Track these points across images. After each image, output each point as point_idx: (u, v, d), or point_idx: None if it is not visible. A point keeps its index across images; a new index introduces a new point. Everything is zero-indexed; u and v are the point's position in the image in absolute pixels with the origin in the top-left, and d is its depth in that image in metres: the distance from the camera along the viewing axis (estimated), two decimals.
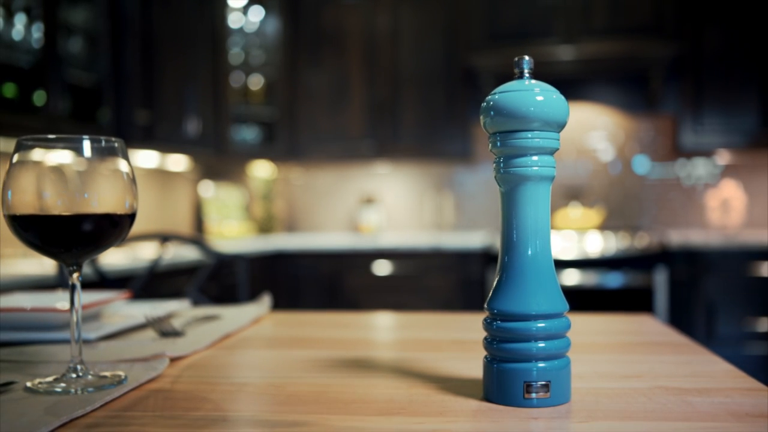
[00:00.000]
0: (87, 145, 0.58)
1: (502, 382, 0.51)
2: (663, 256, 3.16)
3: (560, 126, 0.51)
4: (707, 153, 3.54)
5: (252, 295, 2.87)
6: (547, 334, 0.51)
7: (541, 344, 0.50)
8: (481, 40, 3.51)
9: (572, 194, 3.74)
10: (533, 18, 3.47)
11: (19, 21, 2.50)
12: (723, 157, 3.68)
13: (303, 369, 0.66)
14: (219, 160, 3.72)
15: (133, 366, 0.63)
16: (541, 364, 0.50)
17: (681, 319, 3.14)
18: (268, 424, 0.49)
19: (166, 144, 3.15)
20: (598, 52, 3.36)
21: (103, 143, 0.59)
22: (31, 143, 0.57)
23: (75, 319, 0.58)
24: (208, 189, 3.93)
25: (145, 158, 3.30)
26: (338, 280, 3.50)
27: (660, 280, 3.15)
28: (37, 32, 2.49)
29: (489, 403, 0.51)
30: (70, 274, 0.59)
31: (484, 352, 0.54)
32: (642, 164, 3.78)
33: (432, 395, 0.55)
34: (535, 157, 0.51)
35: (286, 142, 3.82)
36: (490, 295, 0.53)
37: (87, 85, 2.87)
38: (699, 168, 3.74)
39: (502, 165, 0.52)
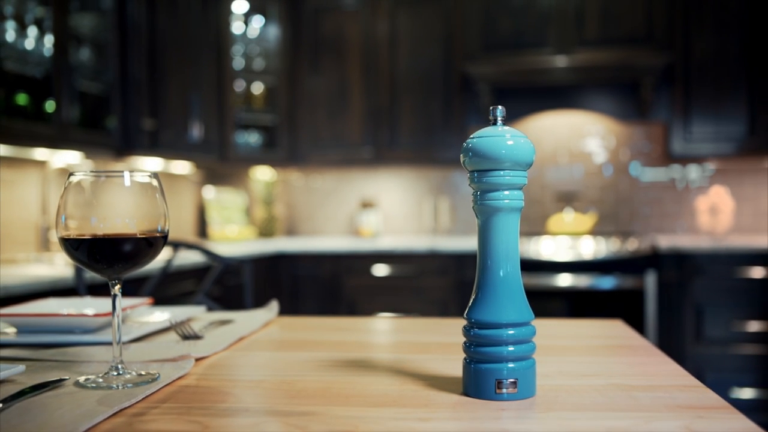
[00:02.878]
0: (128, 176, 0.68)
1: (478, 379, 0.61)
2: (653, 259, 3.26)
3: (527, 165, 0.61)
4: (697, 159, 3.64)
5: (255, 296, 2.98)
6: (516, 339, 0.61)
7: (510, 348, 0.61)
8: (477, 49, 3.61)
9: (566, 199, 3.84)
10: (528, 28, 3.57)
11: (31, 33, 2.59)
12: (712, 164, 3.78)
13: (309, 368, 0.76)
14: (222, 165, 3.82)
15: (164, 365, 0.74)
16: (510, 365, 0.61)
17: (671, 320, 3.25)
18: (282, 413, 0.59)
19: (171, 150, 3.25)
20: (591, 61, 3.46)
21: (141, 176, 0.69)
22: (81, 174, 0.67)
23: (116, 323, 0.69)
24: (210, 193, 4.03)
25: (150, 162, 3.40)
26: (338, 281, 3.60)
27: (650, 282, 3.25)
28: (48, 43, 2.59)
29: (467, 397, 0.62)
30: (113, 286, 0.69)
31: (464, 355, 0.64)
32: (634, 170, 3.89)
33: (419, 390, 0.65)
34: (506, 192, 0.61)
35: (286, 148, 3.92)
36: (468, 307, 0.63)
37: (95, 93, 2.97)
38: (689, 174, 3.84)
39: (478, 198, 0.62)
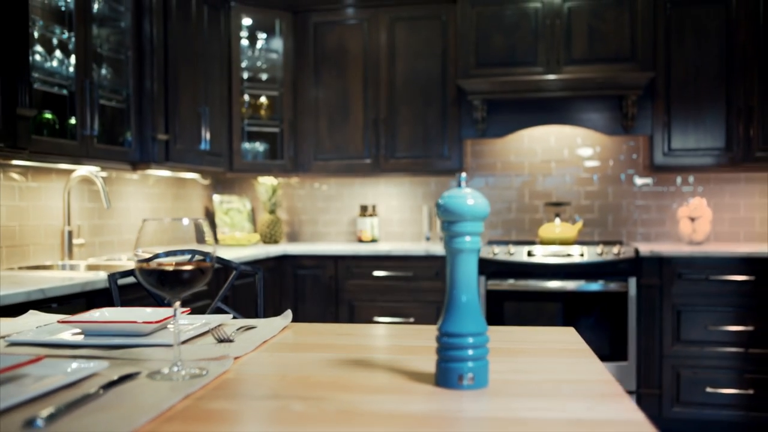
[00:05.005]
0: (186, 221, 0.90)
1: (446, 374, 0.84)
2: (636, 264, 3.49)
3: (484, 218, 0.84)
4: (678, 171, 3.86)
5: (263, 297, 3.20)
6: (473, 345, 0.83)
7: (470, 352, 0.83)
8: (472, 65, 3.83)
9: (556, 208, 4.06)
10: (519, 46, 3.79)
11: (56, 54, 2.81)
12: (692, 175, 4.01)
13: (320, 365, 0.98)
14: (229, 174, 4.04)
15: (210, 363, 0.96)
16: (469, 364, 0.83)
17: (651, 321, 3.48)
18: (302, 398, 0.82)
19: (182, 162, 3.46)
20: (578, 77, 3.68)
21: (194, 222, 0.91)
22: (153, 221, 0.89)
23: (177, 331, 0.91)
24: (217, 199, 4.26)
25: (163, 172, 3.62)
26: (339, 283, 3.83)
27: (633, 286, 3.48)
28: (71, 64, 2.81)
29: (437, 387, 0.84)
30: (173, 303, 0.91)
31: (436, 356, 0.86)
32: (619, 180, 4.11)
33: (404, 382, 0.87)
34: (468, 238, 0.83)
35: (290, 157, 4.14)
36: (440, 322, 0.86)
37: (113, 109, 3.19)
38: (671, 184, 4.07)
39: (447, 241, 0.85)
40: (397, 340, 1.20)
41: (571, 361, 0.97)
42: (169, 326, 1.19)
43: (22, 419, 0.69)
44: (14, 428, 0.67)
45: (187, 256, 0.88)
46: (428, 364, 0.93)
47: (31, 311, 1.39)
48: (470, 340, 0.83)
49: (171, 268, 0.87)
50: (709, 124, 3.70)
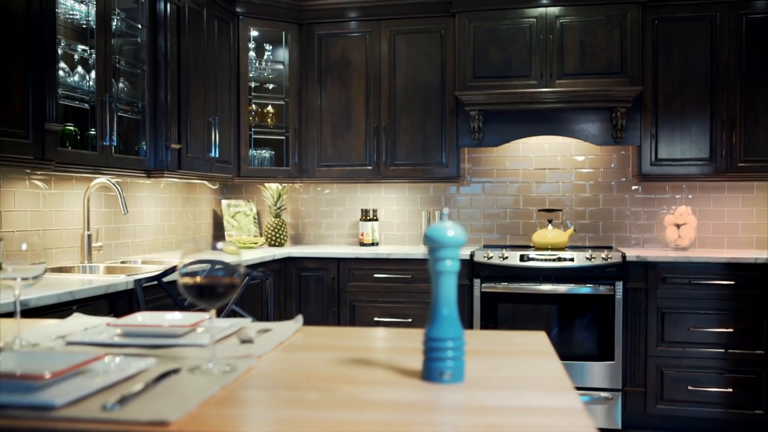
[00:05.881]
0: (220, 245, 1.10)
1: (430, 370, 1.04)
2: (623, 269, 3.69)
3: (461, 245, 1.03)
4: (665, 179, 4.05)
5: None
6: (452, 348, 1.03)
7: (449, 353, 1.03)
8: (469, 77, 4.03)
9: (548, 214, 4.26)
10: (514, 60, 3.99)
11: (78, 70, 3.01)
12: (678, 184, 4.21)
13: (328, 363, 1.18)
14: (237, 180, 4.25)
15: (238, 360, 1.16)
16: (449, 363, 1.03)
17: (637, 323, 3.68)
18: (315, 388, 1.02)
19: (193, 170, 3.66)
20: (570, 91, 3.87)
21: (227, 245, 1.11)
22: (192, 244, 1.09)
23: (212, 334, 1.11)
24: (225, 203, 4.46)
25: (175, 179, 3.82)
26: (341, 284, 4.03)
27: (620, 289, 3.68)
28: (91, 79, 3.00)
29: (423, 381, 1.05)
30: (209, 310, 1.11)
31: (422, 356, 1.07)
32: (610, 188, 4.31)
33: (396, 376, 1.07)
34: (448, 262, 1.04)
35: (295, 164, 4.34)
36: (426, 328, 1.06)
37: (129, 120, 3.38)
38: (658, 192, 4.27)
39: (432, 264, 1.05)
40: (391, 343, 1.41)
41: (535, 361, 1.17)
42: (198, 329, 1.39)
43: (99, 404, 0.90)
44: (94, 410, 0.88)
45: (221, 274, 1.08)
46: (416, 362, 1.13)
47: (75, 314, 1.59)
48: (450, 343, 1.03)
49: (208, 284, 1.07)
50: (694, 135, 3.90)
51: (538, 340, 1.31)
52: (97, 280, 2.58)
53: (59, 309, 2.20)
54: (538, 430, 0.81)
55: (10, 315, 1.90)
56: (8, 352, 1.14)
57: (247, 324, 1.47)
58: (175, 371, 1.08)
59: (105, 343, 1.28)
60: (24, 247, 1.22)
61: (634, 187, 4.29)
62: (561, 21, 3.94)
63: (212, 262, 1.09)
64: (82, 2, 2.98)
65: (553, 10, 3.94)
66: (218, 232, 4.58)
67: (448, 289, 1.03)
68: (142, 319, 1.39)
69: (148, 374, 1.06)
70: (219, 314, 1.96)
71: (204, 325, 1.38)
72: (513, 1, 3.98)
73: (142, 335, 1.32)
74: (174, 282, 2.34)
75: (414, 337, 1.35)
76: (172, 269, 2.20)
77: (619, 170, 4.31)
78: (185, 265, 1.07)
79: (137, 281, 2.05)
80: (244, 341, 1.31)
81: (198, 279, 1.07)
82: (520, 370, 1.11)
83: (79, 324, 1.48)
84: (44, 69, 2.56)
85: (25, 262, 1.25)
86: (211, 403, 0.93)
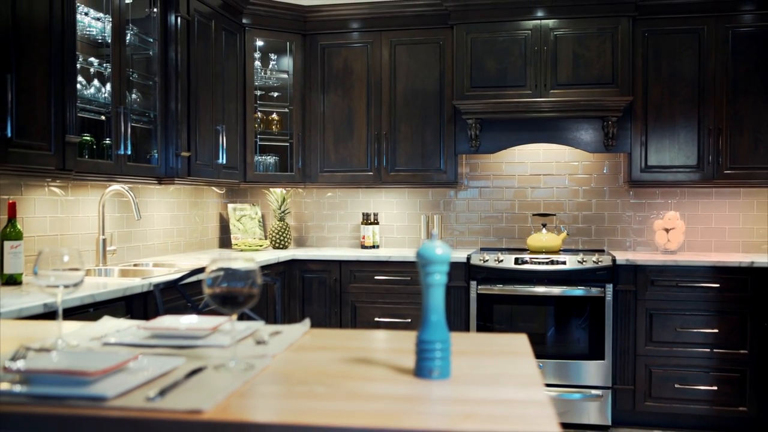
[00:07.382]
0: (239, 262, 1.27)
1: (421, 368, 1.21)
2: (614, 271, 3.85)
3: (448, 261, 1.21)
4: (654, 185, 4.22)
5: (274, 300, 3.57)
6: (440, 348, 1.20)
7: (438, 353, 1.20)
8: (466, 86, 4.19)
9: (542, 219, 4.43)
10: (510, 70, 4.15)
11: (94, 83, 3.18)
12: (667, 189, 4.37)
13: (334, 362, 1.35)
14: (243, 185, 4.41)
15: (255, 360, 1.33)
16: (437, 362, 1.20)
17: (627, 323, 3.84)
18: (323, 383, 1.19)
19: (202, 176, 3.83)
20: (563, 100, 4.04)
21: (245, 261, 1.28)
22: (216, 257, 1.26)
23: (233, 336, 1.28)
24: (231, 207, 4.63)
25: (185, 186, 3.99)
26: (343, 285, 4.20)
27: (610, 291, 3.84)
28: (107, 92, 3.17)
29: (415, 377, 1.22)
30: (230, 315, 1.28)
31: (415, 356, 1.24)
32: (603, 193, 4.48)
33: (393, 373, 1.24)
34: (437, 276, 1.21)
35: (298, 169, 4.51)
36: (418, 332, 1.23)
37: (141, 129, 3.54)
38: (649, 198, 4.44)
39: (423, 277, 1.22)
40: (389, 344, 1.58)
41: (513, 360, 1.35)
42: (218, 332, 1.56)
43: (143, 396, 1.07)
44: (139, 401, 1.05)
45: (242, 285, 1.25)
46: (409, 361, 1.30)
47: (105, 317, 1.76)
48: (438, 345, 1.20)
49: (230, 294, 1.24)
50: (682, 143, 4.06)
51: (518, 342, 1.48)
52: (113, 282, 2.74)
53: (80, 311, 2.37)
54: (507, 417, 0.98)
55: (36, 317, 2.08)
56: (59, 352, 1.31)
57: (260, 327, 1.64)
58: (202, 369, 1.25)
59: (137, 344, 1.45)
60: (66, 259, 1.39)
61: (623, 193, 4.46)
62: (555, 33, 4.10)
63: (234, 273, 1.25)
64: (98, 20, 3.14)
65: (548, 23, 4.10)
66: (224, 235, 4.75)
67: (437, 298, 1.20)
68: (169, 322, 1.56)
69: (179, 371, 1.23)
70: None
71: (225, 328, 1.55)
72: (509, 13, 4.14)
73: (170, 337, 1.49)
74: (188, 285, 2.52)
75: (408, 339, 1.52)
76: (189, 274, 2.37)
77: (612, 176, 4.48)
78: (211, 278, 1.24)
79: (156, 285, 2.22)
80: (259, 342, 1.48)
81: (221, 288, 1.24)
82: (499, 368, 1.28)
83: (110, 326, 1.65)
84: (65, 84, 2.73)
85: (63, 270, 1.41)
86: (235, 395, 1.10)
